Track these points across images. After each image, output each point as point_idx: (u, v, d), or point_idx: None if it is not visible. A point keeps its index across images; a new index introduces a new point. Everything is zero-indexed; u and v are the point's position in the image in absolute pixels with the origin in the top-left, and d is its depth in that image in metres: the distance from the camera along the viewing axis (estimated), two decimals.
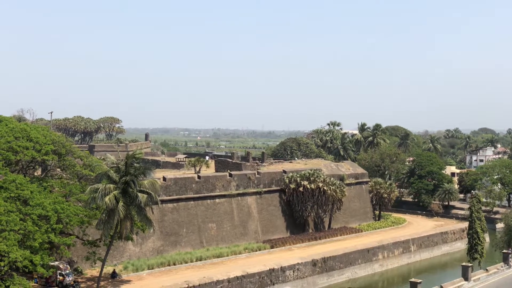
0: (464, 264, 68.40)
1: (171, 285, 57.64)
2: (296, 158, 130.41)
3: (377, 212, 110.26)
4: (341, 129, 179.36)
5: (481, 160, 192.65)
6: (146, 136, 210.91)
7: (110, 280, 59.70)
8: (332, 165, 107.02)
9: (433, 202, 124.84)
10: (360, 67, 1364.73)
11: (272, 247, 79.58)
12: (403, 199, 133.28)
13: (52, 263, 53.05)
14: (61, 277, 55.01)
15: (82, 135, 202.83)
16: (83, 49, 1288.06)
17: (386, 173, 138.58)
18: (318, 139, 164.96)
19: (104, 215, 52.76)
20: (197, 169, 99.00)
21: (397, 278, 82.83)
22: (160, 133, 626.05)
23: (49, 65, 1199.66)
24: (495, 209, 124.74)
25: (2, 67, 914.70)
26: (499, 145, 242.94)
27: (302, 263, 71.93)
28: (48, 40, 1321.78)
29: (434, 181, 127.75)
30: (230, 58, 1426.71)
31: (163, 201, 69.55)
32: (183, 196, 75.15)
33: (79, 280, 58.48)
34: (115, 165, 54.77)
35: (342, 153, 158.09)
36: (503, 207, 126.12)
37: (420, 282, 59.36)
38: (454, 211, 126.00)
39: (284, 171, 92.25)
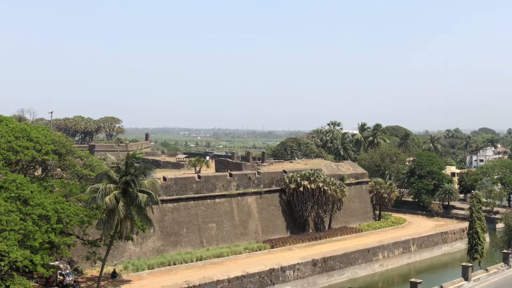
0: (464, 264, 68.43)
1: (171, 285, 57.63)
2: (296, 158, 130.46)
3: (377, 212, 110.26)
4: (341, 129, 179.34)
5: (481, 160, 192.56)
6: (146, 136, 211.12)
7: (110, 280, 59.72)
8: (332, 165, 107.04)
9: (433, 202, 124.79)
10: (360, 67, 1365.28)
11: (272, 247, 79.60)
12: (403, 199, 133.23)
13: (52, 263, 53.09)
14: (61, 277, 55.06)
15: (82, 135, 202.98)
16: (83, 49, 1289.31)
17: (386, 173, 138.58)
18: (318, 139, 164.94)
19: (104, 215, 52.79)
20: (197, 169, 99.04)
21: (397, 278, 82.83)
22: (160, 133, 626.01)
23: (49, 65, 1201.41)
24: (495, 209, 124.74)
25: (2, 67, 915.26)
26: (499, 145, 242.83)
27: (302, 263, 71.93)
28: (48, 40, 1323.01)
29: (434, 181, 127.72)
30: (230, 58, 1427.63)
31: (163, 201, 69.58)
32: (183, 196, 75.17)
33: (79, 280, 58.51)
34: (115, 165, 54.79)
35: (342, 153, 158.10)
36: (503, 207, 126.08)
37: (420, 282, 59.38)
38: (454, 211, 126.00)
39: (284, 171, 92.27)
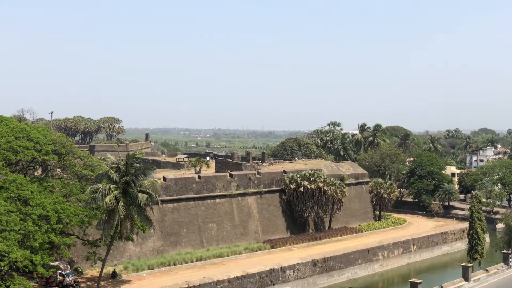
0: (464, 264, 68.45)
1: (171, 285, 57.63)
2: (296, 158, 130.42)
3: (377, 212, 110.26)
4: (341, 129, 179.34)
5: (481, 160, 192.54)
6: (147, 136, 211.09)
7: (110, 280, 59.72)
8: (332, 165, 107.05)
9: (433, 202, 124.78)
10: (360, 67, 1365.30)
11: (272, 247, 79.60)
12: (403, 199, 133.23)
13: (52, 263, 53.08)
14: (61, 277, 55.06)
15: (83, 135, 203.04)
16: (83, 49, 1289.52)
17: (386, 173, 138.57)
18: (318, 139, 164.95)
19: (104, 215, 52.79)
20: (198, 169, 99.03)
21: (397, 278, 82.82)
22: (161, 133, 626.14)
23: (49, 65, 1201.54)
24: (495, 209, 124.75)
25: (2, 67, 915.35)
26: (499, 145, 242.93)
27: (302, 263, 71.92)
28: (48, 39, 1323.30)
29: (434, 181, 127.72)
30: (230, 58, 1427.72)
31: (163, 201, 69.59)
32: (184, 196, 75.17)
33: (79, 280, 58.51)
34: (116, 165, 54.79)
35: (342, 153, 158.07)
36: (503, 207, 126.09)
37: (420, 282, 59.40)
38: (454, 211, 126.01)
39: (285, 171, 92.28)
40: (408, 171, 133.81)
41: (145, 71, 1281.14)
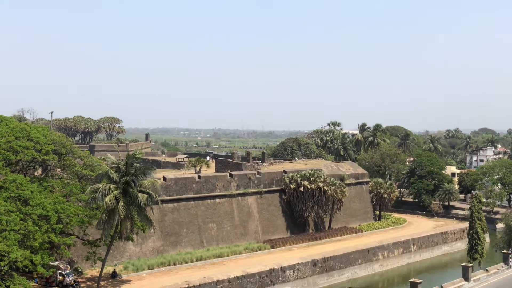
0: (464, 264, 68.42)
1: (171, 285, 57.63)
2: (296, 158, 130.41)
3: (377, 212, 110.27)
4: (341, 129, 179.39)
5: (482, 160, 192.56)
6: (147, 136, 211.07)
7: (110, 280, 59.73)
8: (332, 165, 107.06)
9: (434, 202, 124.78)
10: (360, 67, 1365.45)
11: (272, 247, 79.60)
12: (403, 199, 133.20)
13: (52, 263, 53.09)
14: (61, 277, 55.07)
15: (83, 135, 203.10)
16: (83, 49, 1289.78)
17: (386, 173, 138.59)
18: (319, 139, 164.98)
19: (104, 215, 52.79)
20: (198, 169, 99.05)
21: (397, 278, 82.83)
22: (161, 133, 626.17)
23: (49, 65, 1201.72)
24: (495, 209, 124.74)
25: (2, 67, 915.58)
26: (499, 145, 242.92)
27: (302, 263, 71.92)
28: (48, 39, 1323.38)
29: (434, 181, 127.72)
30: (230, 58, 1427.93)
31: (163, 201, 69.58)
32: (184, 196, 75.17)
33: (79, 280, 58.51)
34: (116, 165, 54.80)
35: (342, 153, 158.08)
36: (503, 207, 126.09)
37: (420, 282, 59.38)
38: (454, 211, 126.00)
39: (285, 171, 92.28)
40: (408, 171, 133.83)
41: (145, 71, 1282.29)
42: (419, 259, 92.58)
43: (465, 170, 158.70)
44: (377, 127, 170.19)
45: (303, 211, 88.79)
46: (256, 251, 77.31)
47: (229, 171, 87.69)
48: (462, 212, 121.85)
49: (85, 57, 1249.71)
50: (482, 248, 73.24)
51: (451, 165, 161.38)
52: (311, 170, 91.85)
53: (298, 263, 71.46)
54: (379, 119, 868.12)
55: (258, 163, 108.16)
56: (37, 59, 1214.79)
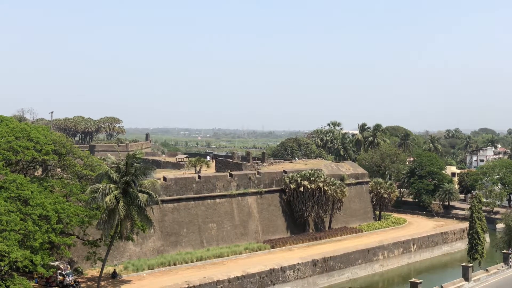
0: (464, 264, 68.44)
1: (171, 285, 57.64)
2: (296, 158, 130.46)
3: (377, 212, 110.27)
4: (341, 129, 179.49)
5: (482, 160, 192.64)
6: (147, 136, 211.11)
7: (110, 280, 59.74)
8: (332, 165, 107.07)
9: (434, 202, 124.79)
10: (360, 67, 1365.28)
11: (272, 247, 79.61)
12: (403, 199, 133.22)
13: (52, 263, 53.12)
14: (61, 277, 55.08)
15: (83, 135, 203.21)
16: (83, 49, 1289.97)
17: (386, 173, 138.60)
18: (319, 139, 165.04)
19: (104, 215, 52.81)
20: (198, 169, 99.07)
21: (397, 278, 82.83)
22: (161, 133, 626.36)
23: (49, 65, 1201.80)
24: (495, 209, 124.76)
25: (2, 67, 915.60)
26: (499, 145, 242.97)
27: (302, 263, 71.93)
28: (48, 40, 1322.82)
29: (434, 181, 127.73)
30: (230, 58, 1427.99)
31: (163, 201, 69.60)
32: (184, 196, 75.18)
33: (80, 280, 58.52)
34: (116, 165, 54.82)
35: (342, 153, 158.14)
36: (503, 207, 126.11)
37: (420, 282, 59.39)
38: (454, 211, 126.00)
39: (285, 171, 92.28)
40: (408, 171, 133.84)
41: (145, 71, 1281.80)
42: (419, 259, 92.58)
43: (465, 170, 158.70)
44: (377, 127, 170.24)
45: (303, 211, 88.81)
46: (256, 251, 77.33)
47: (229, 171, 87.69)
48: (462, 212, 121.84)
49: (85, 57, 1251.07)
50: (482, 248, 73.25)
51: (451, 165, 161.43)
52: (311, 170, 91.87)
53: (298, 263, 71.47)
54: (379, 119, 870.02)
55: (258, 163, 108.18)
56: (37, 59, 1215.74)
